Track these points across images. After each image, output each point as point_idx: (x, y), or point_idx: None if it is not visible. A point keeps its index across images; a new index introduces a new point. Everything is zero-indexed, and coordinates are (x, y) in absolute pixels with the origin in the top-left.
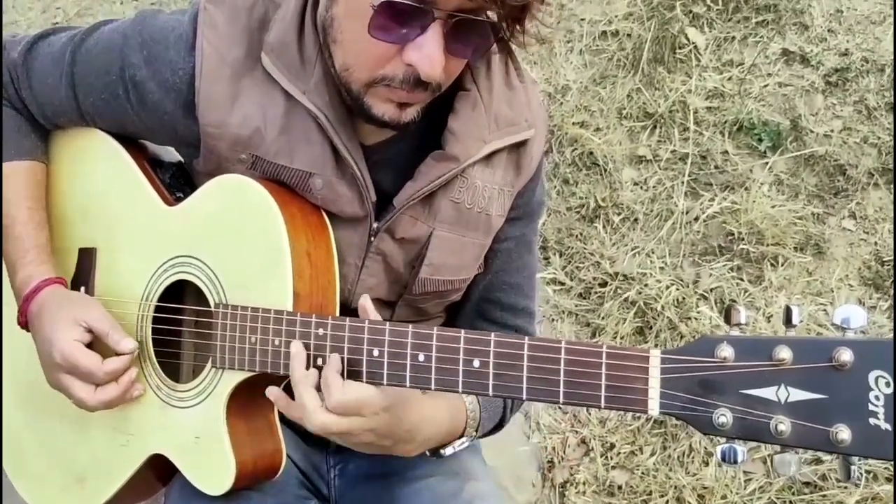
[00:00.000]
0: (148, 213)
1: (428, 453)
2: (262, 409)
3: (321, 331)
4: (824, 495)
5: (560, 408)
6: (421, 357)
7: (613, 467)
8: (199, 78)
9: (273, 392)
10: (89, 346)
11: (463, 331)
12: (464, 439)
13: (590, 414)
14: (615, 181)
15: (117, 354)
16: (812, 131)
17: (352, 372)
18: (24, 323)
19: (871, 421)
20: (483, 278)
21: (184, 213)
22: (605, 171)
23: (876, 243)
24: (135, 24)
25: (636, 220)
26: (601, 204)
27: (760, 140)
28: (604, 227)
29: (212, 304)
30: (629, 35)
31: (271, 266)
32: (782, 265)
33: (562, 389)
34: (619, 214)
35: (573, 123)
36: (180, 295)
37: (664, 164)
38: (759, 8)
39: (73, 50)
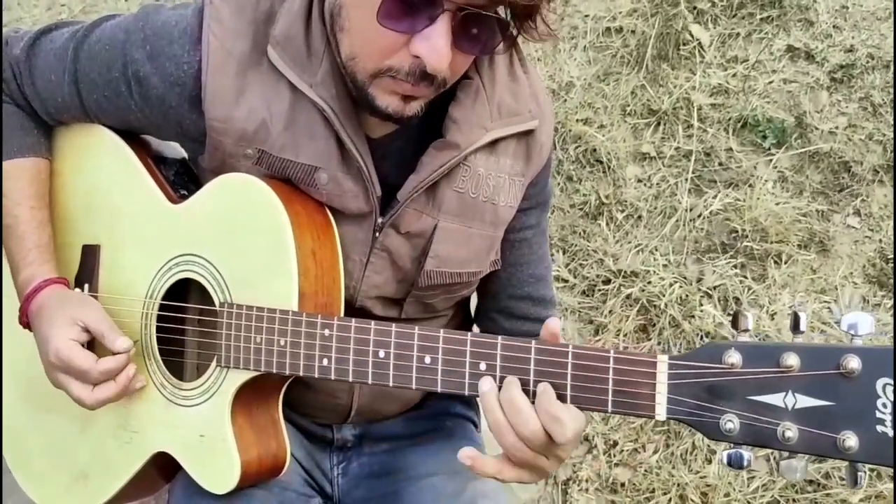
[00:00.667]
0: (152, 210)
1: None
2: (266, 408)
3: (327, 331)
4: (828, 493)
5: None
6: (427, 359)
7: (616, 465)
8: (205, 72)
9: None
10: (88, 345)
11: (469, 333)
12: None
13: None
14: (619, 178)
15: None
16: (817, 128)
17: (357, 373)
18: (26, 322)
19: (879, 428)
20: (505, 273)
21: (188, 212)
22: (609, 168)
23: (881, 240)
24: (137, 20)
25: (640, 217)
26: (605, 201)
27: (765, 137)
28: (607, 224)
29: (216, 303)
30: (633, 32)
31: (276, 265)
32: (786, 263)
33: (569, 393)
34: (622, 211)
35: (577, 120)
36: (184, 293)
37: (668, 161)
38: (763, 4)
39: (76, 46)
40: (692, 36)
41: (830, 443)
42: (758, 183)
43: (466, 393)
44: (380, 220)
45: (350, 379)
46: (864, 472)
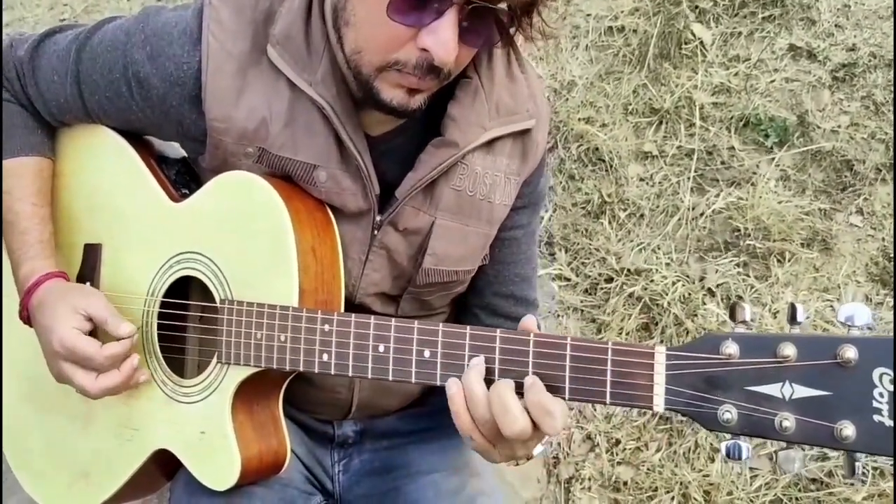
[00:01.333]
0: (153, 209)
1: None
2: (267, 405)
3: (327, 327)
4: (831, 492)
5: (566, 403)
6: (427, 353)
7: (619, 463)
8: (205, 72)
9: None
10: (91, 335)
11: (469, 327)
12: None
13: (595, 410)
14: (621, 177)
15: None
16: (819, 127)
17: (357, 367)
18: (26, 317)
19: (875, 418)
20: (491, 270)
21: (189, 210)
22: (611, 166)
23: (883, 239)
24: (138, 21)
25: (642, 215)
26: (607, 200)
27: (767, 136)
28: (609, 222)
29: (217, 300)
30: (635, 31)
31: (277, 262)
32: (789, 261)
33: (567, 385)
34: (624, 210)
35: (579, 119)
36: (185, 291)
37: (670, 160)
38: (765, 3)
39: (78, 48)
40: (694, 35)
41: (828, 432)
42: (760, 182)
43: None
44: (378, 217)
45: (350, 374)
46: (861, 463)
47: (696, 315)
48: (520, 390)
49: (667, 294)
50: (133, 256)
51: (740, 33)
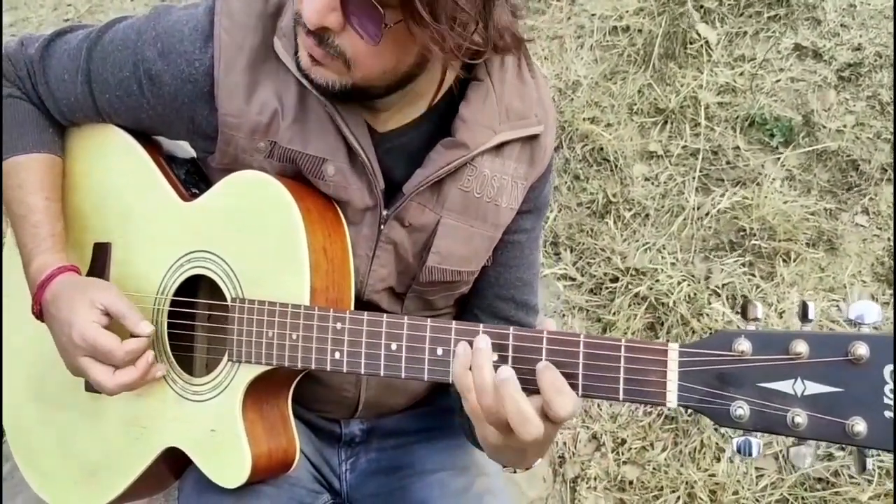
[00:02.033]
0: (164, 208)
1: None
2: (276, 404)
3: (339, 325)
4: (837, 492)
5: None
6: (439, 351)
7: (625, 463)
8: (217, 68)
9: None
10: (106, 329)
11: (482, 325)
12: None
13: (601, 409)
14: (626, 177)
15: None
16: (824, 126)
17: (369, 365)
18: (38, 311)
19: (887, 414)
20: (493, 272)
21: (200, 209)
22: (616, 166)
23: (889, 239)
24: (149, 20)
25: (647, 215)
26: (612, 199)
27: (772, 135)
28: (615, 222)
29: (228, 298)
30: (640, 30)
31: (288, 261)
32: (794, 261)
33: (580, 382)
34: (629, 210)
35: (584, 119)
36: (195, 290)
37: (675, 160)
38: (770, 3)
39: (90, 47)
40: (699, 35)
41: (839, 429)
42: (765, 181)
43: None
44: (384, 212)
45: (362, 371)
46: (872, 459)
47: (701, 315)
48: (525, 387)
49: (672, 294)
50: (143, 255)
51: (745, 33)
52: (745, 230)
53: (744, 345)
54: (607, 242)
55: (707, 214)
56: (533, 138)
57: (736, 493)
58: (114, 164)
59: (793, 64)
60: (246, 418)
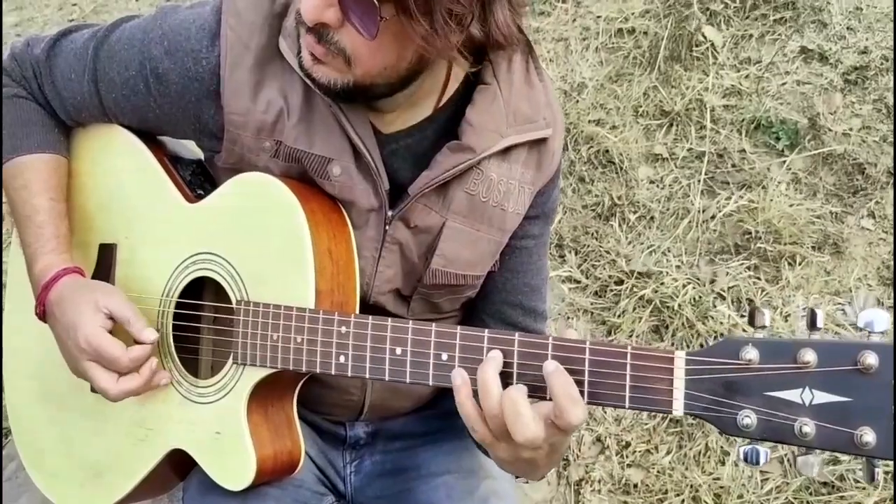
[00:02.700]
0: (169, 209)
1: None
2: (281, 406)
3: (344, 328)
4: (842, 496)
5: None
6: (444, 356)
7: (629, 466)
8: (224, 66)
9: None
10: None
11: (487, 330)
12: None
13: (605, 412)
14: (631, 179)
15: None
16: (830, 130)
17: (374, 370)
18: (42, 313)
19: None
20: (500, 278)
21: (205, 210)
22: (621, 169)
23: (894, 243)
24: (155, 19)
25: (652, 218)
26: (617, 202)
27: (778, 138)
28: (619, 225)
29: (233, 300)
30: (646, 33)
31: (293, 263)
32: (800, 264)
33: (586, 389)
34: (634, 213)
35: (589, 121)
36: (200, 292)
37: (680, 163)
38: (777, 6)
39: (96, 46)
40: (705, 37)
41: (848, 438)
42: (771, 184)
43: None
44: (389, 213)
45: (367, 376)
46: (881, 469)
47: (707, 318)
48: (532, 395)
49: (677, 297)
50: (148, 257)
51: (751, 36)
52: (750, 233)
53: (751, 353)
54: (612, 245)
55: (712, 217)
56: (540, 142)
57: (741, 496)
58: (119, 165)
59: (799, 67)
60: (251, 421)
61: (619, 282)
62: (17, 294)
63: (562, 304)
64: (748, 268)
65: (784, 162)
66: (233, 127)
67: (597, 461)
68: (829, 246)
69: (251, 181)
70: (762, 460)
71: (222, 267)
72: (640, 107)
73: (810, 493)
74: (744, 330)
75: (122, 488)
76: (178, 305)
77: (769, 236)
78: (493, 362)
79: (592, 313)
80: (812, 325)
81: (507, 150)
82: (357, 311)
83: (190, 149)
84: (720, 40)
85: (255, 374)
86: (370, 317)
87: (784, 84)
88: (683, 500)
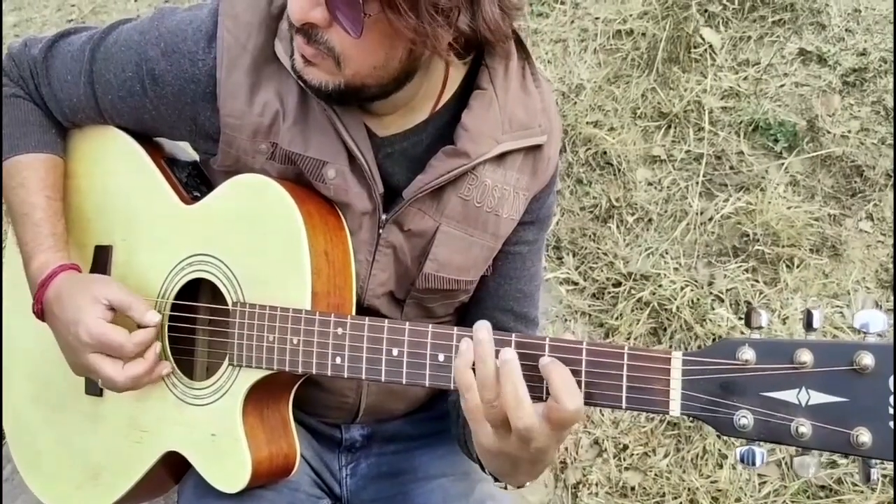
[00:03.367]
0: (165, 211)
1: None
2: (277, 408)
3: (340, 330)
4: (840, 499)
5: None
6: (441, 357)
7: (626, 468)
8: (220, 68)
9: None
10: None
11: None
12: None
13: (603, 415)
14: (629, 181)
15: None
16: (829, 132)
17: (371, 370)
18: (40, 311)
19: (892, 424)
20: (493, 283)
21: (202, 212)
22: (619, 170)
23: (894, 245)
24: (152, 21)
25: (650, 220)
26: (615, 204)
27: (776, 140)
28: (617, 227)
29: (229, 302)
30: (644, 34)
31: (290, 265)
32: (798, 267)
33: (583, 390)
34: (632, 214)
35: (587, 123)
36: (196, 293)
37: (679, 165)
38: (775, 7)
39: (93, 48)
40: (703, 39)
41: (844, 439)
42: (769, 187)
43: None
44: (383, 216)
45: (363, 377)
46: (876, 469)
47: (704, 320)
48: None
49: (675, 299)
50: (144, 258)
51: (750, 37)
52: (748, 235)
53: (748, 353)
54: (610, 247)
55: (710, 219)
56: (536, 149)
57: (738, 500)
58: (115, 167)
59: (797, 69)
60: (246, 423)
61: (617, 284)
62: (14, 295)
63: (559, 305)
64: (746, 270)
65: (782, 164)
66: (229, 129)
67: (594, 464)
68: (828, 248)
69: (248, 183)
70: (759, 462)
71: (218, 268)
72: (639, 108)
73: (808, 497)
74: (742, 332)
75: (118, 490)
76: (174, 307)
77: (767, 238)
78: (487, 346)
79: (590, 315)
80: (809, 325)
81: (502, 156)
82: (353, 314)
83: (186, 150)
84: (718, 42)
85: (250, 376)
86: (367, 318)
87: (782, 86)
88: (681, 503)
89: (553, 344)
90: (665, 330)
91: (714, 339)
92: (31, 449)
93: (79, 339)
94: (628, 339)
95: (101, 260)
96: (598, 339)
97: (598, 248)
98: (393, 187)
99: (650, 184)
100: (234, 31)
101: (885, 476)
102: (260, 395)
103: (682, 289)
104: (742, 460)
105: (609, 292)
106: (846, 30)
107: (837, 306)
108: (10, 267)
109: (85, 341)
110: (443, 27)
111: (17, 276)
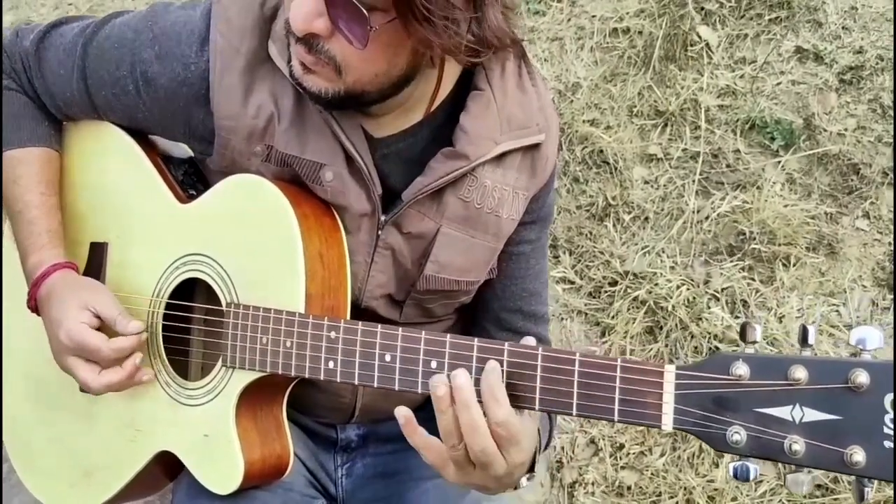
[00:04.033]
0: (161, 209)
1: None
2: (270, 409)
3: (333, 334)
4: (836, 499)
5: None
6: (433, 364)
7: (623, 468)
8: (213, 71)
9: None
10: (99, 331)
11: (476, 339)
12: (532, 473)
13: None
14: (625, 179)
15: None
16: (825, 130)
17: (363, 376)
18: (34, 307)
19: (886, 444)
20: (499, 285)
21: (197, 211)
22: (616, 169)
23: (890, 244)
24: (146, 19)
25: (646, 218)
26: (611, 202)
27: (773, 139)
28: (614, 225)
29: (223, 303)
30: (640, 32)
31: (284, 267)
32: (794, 265)
33: (575, 401)
34: (629, 213)
35: (583, 121)
36: (191, 293)
37: (675, 163)
38: (772, 5)
39: (85, 43)
40: (700, 37)
41: (837, 457)
42: (766, 185)
43: None
44: (382, 217)
45: (356, 382)
46: (871, 488)
47: (700, 319)
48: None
49: (671, 298)
50: (139, 256)
51: (746, 35)
52: (744, 234)
53: (741, 369)
54: (606, 245)
55: (707, 218)
56: (534, 148)
57: (734, 499)
58: (111, 164)
59: (794, 66)
60: (239, 424)
61: (614, 283)
62: (8, 294)
63: (556, 304)
64: (742, 269)
65: (779, 162)
66: (223, 132)
67: (590, 463)
68: (824, 247)
69: (243, 183)
70: (752, 476)
71: (213, 269)
72: (635, 107)
73: (805, 497)
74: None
75: (111, 488)
76: (168, 306)
77: (764, 237)
78: (495, 373)
79: (586, 314)
80: (804, 341)
81: (501, 157)
82: (348, 317)
83: (182, 147)
84: (715, 40)
85: (244, 378)
86: (360, 322)
87: (779, 84)
88: (677, 503)
89: (545, 354)
90: (661, 329)
91: (709, 339)
92: (27, 447)
93: (59, 340)
94: (624, 338)
95: (96, 257)
96: (595, 338)
97: (595, 247)
98: (390, 188)
99: (646, 182)
100: (227, 35)
101: (882, 502)
102: (254, 397)
103: (678, 287)
104: (735, 475)
105: (605, 291)
106: (843, 27)
107: (834, 305)
108: (6, 264)
109: (65, 343)
110: (453, 36)
111: (16, 272)
